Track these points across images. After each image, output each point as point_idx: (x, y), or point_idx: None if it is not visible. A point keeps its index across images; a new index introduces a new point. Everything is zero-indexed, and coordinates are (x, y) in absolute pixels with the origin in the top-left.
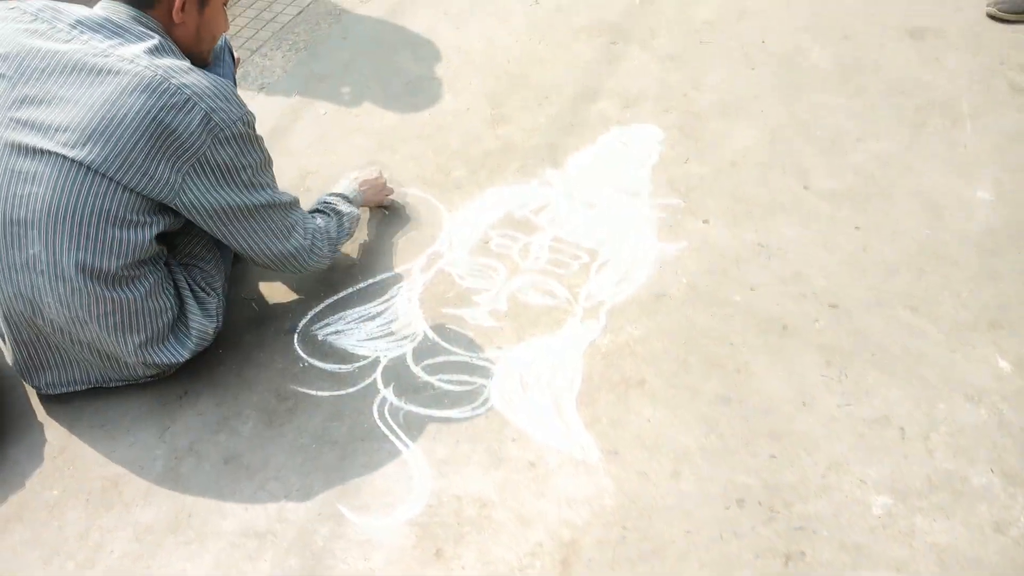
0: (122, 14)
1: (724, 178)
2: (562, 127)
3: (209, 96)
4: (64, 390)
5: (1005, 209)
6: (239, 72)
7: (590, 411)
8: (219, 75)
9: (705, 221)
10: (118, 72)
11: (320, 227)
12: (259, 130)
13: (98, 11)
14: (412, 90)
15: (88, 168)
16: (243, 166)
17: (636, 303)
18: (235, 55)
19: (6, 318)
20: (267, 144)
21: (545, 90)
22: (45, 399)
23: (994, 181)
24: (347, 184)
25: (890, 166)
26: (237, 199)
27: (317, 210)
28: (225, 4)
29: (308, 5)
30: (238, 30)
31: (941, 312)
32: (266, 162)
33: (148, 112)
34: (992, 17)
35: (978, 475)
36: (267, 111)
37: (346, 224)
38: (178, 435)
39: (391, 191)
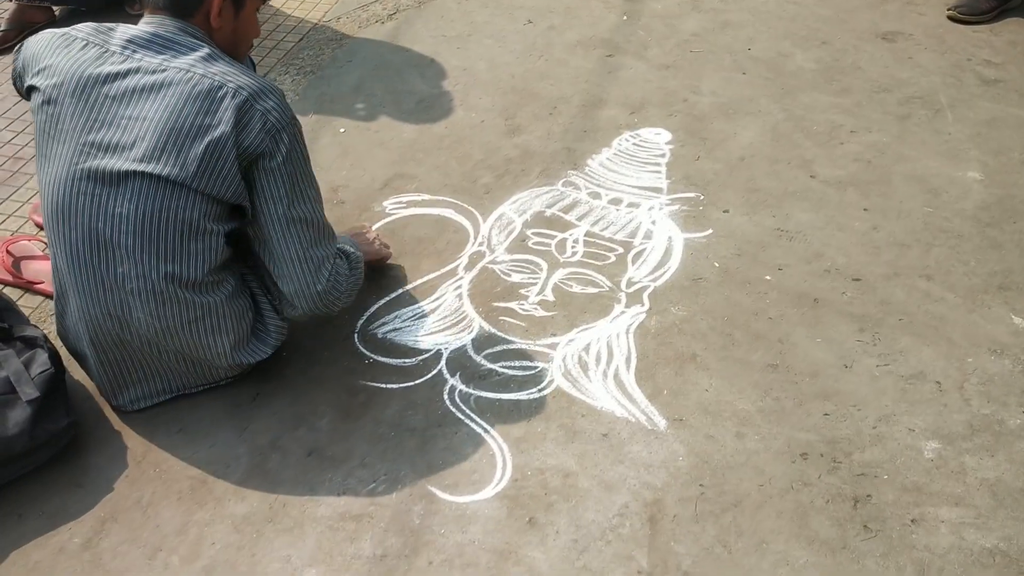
0: (168, 27)
1: (736, 172)
2: (576, 134)
3: (263, 96)
4: (146, 404)
5: (995, 187)
6: None
7: (651, 384)
8: None
9: (725, 211)
10: (176, 83)
11: (339, 255)
12: None
13: (144, 27)
14: (425, 107)
15: (167, 180)
16: (298, 170)
17: (675, 287)
18: (253, 60)
19: (93, 340)
20: None
21: (553, 101)
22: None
23: (980, 163)
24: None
25: (885, 154)
26: (290, 200)
27: None
28: (257, 9)
29: (308, 32)
30: None
31: (954, 280)
32: (311, 176)
33: (208, 117)
34: (952, 19)
35: (1012, 417)
36: None
37: (355, 264)
38: (257, 434)
39: (384, 247)
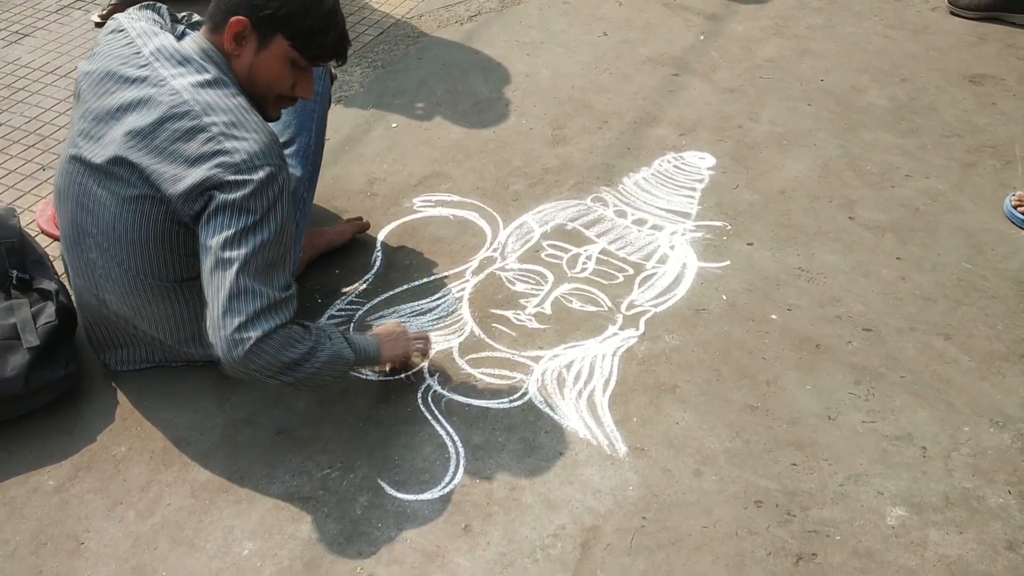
0: (193, 45)
1: (772, 205)
2: (619, 150)
3: (236, 135)
4: (131, 367)
5: None
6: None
7: (622, 410)
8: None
9: (749, 244)
10: (161, 101)
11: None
12: (334, 139)
13: (179, 43)
14: (479, 109)
15: (126, 191)
16: (259, 217)
17: (675, 315)
18: (333, 73)
19: (79, 306)
20: (341, 152)
21: (606, 115)
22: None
23: None
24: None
25: (937, 203)
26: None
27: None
28: (298, 64)
29: (389, 27)
30: None
31: (974, 342)
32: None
33: (177, 143)
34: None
35: (995, 495)
36: (343, 122)
37: (327, 355)
38: (237, 407)
39: (420, 343)
